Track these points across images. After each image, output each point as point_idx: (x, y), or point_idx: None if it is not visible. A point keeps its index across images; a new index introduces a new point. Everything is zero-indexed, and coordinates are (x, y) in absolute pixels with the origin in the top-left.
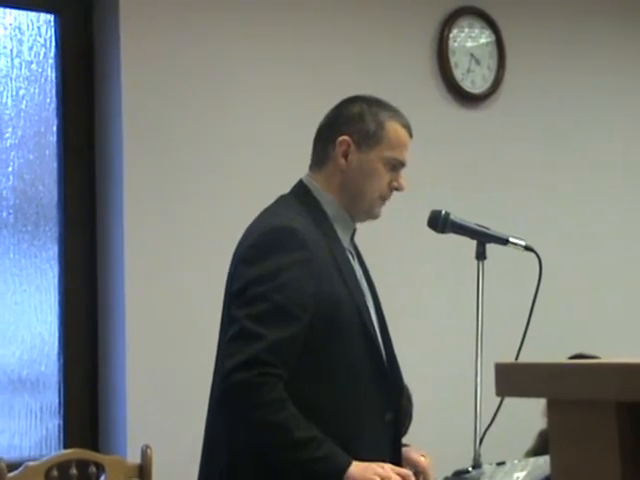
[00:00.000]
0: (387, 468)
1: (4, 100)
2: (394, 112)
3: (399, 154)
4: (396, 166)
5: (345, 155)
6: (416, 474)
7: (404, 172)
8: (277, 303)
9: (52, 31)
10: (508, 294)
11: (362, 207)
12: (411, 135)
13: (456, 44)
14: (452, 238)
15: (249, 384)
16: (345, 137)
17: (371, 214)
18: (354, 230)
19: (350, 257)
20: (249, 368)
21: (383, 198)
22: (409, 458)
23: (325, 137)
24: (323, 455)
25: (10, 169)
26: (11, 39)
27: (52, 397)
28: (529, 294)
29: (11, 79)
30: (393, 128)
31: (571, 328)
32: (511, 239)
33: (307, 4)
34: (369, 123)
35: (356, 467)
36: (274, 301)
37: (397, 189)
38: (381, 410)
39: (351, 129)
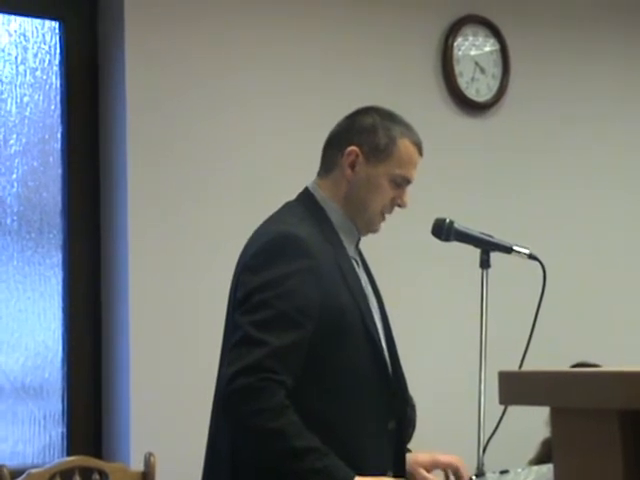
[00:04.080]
0: None
1: (8, 107)
2: (407, 128)
3: (407, 172)
4: (402, 183)
5: (352, 165)
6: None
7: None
8: (281, 310)
9: (57, 38)
10: (512, 302)
11: (363, 219)
12: (421, 153)
13: (460, 52)
14: (456, 246)
15: (250, 389)
16: (354, 147)
17: (370, 228)
18: (358, 238)
19: (355, 265)
20: (250, 374)
21: (384, 213)
22: (438, 462)
23: (334, 145)
24: (323, 467)
25: (14, 176)
26: (16, 46)
27: (56, 404)
28: (533, 303)
29: (16, 86)
30: (404, 145)
31: (575, 337)
32: (515, 247)
33: (311, 11)
34: (381, 137)
35: None
36: (278, 308)
37: (400, 206)
38: (384, 418)
39: (361, 140)
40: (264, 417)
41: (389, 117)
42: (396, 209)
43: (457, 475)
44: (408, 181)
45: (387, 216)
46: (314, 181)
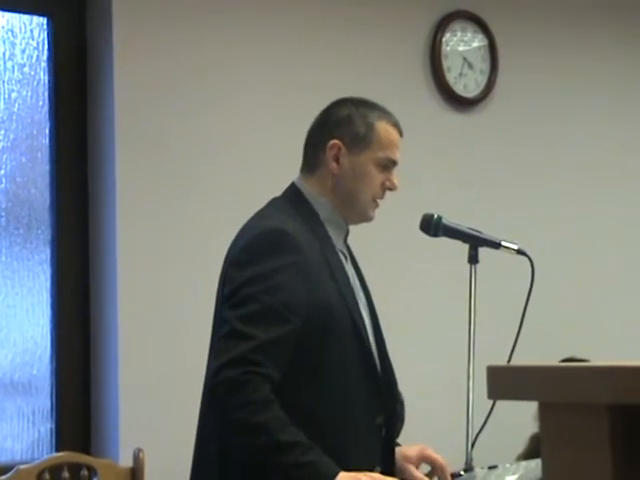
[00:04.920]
0: (376, 477)
1: None
2: (382, 112)
3: (391, 154)
4: (388, 166)
5: (336, 159)
6: (432, 471)
7: (396, 172)
8: (268, 305)
9: (45, 34)
10: (500, 298)
11: (356, 210)
12: (401, 133)
13: (449, 48)
14: (444, 242)
15: (233, 382)
16: (336, 141)
17: (365, 217)
18: (347, 232)
19: (343, 259)
20: (235, 367)
21: (376, 199)
22: (426, 456)
23: (315, 142)
24: (307, 461)
25: (2, 172)
26: (3, 42)
27: (44, 400)
28: (521, 298)
29: (3, 82)
30: (383, 128)
31: (563, 331)
32: (503, 243)
33: (300, 8)
34: (359, 125)
35: (343, 477)
36: (264, 302)
37: (390, 189)
38: (372, 414)
39: (341, 132)
40: (249, 410)
41: (363, 104)
42: (387, 201)
43: (441, 474)
44: (394, 162)
45: (377, 210)
46: (299, 177)
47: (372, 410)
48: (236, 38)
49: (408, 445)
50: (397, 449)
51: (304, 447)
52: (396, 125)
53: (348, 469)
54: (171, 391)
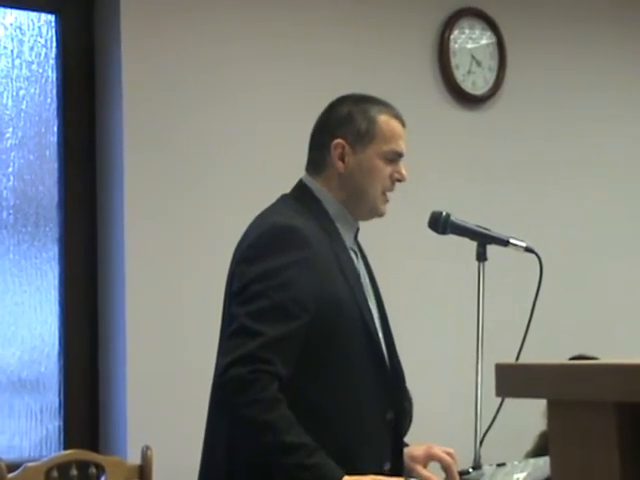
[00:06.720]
0: None
1: (4, 100)
2: (383, 105)
3: (396, 146)
4: (394, 158)
5: (342, 158)
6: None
7: (403, 165)
8: (277, 301)
9: (53, 31)
10: (509, 295)
11: (366, 206)
12: (404, 125)
13: (457, 45)
14: (453, 239)
15: (241, 380)
16: (339, 140)
17: (376, 212)
18: (357, 229)
19: (353, 256)
20: (244, 364)
21: (386, 192)
22: (433, 454)
23: (319, 143)
24: (313, 464)
25: (10, 169)
26: (12, 39)
27: (52, 398)
28: (530, 295)
29: (11, 79)
30: (385, 121)
31: (572, 329)
32: (512, 240)
33: (307, 4)
34: (360, 121)
35: None
36: (273, 299)
37: (399, 180)
38: (382, 409)
39: (344, 131)
40: (256, 409)
41: (363, 100)
42: (395, 198)
43: (448, 472)
44: (399, 154)
45: (387, 204)
46: (307, 175)
47: (382, 405)
48: (247, 34)
49: (414, 445)
50: (404, 449)
51: (309, 449)
52: (398, 117)
53: (358, 466)
54: (179, 388)
